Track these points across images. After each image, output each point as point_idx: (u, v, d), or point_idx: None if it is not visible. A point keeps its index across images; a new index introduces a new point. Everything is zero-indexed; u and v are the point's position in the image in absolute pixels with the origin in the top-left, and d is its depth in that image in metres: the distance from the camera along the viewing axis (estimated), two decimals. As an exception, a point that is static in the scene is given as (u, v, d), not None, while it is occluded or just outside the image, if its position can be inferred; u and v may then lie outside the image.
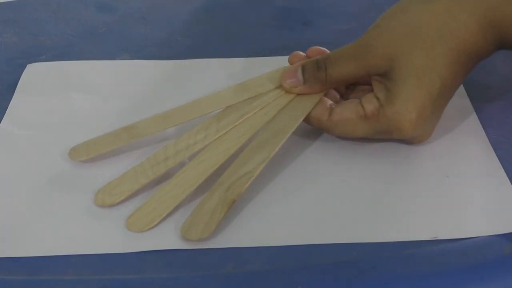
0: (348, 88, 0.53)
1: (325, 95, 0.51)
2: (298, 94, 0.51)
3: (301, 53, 0.53)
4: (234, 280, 0.42)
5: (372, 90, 0.49)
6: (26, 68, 0.61)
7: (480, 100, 0.55)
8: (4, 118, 0.55)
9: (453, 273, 0.42)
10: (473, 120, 0.53)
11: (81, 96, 0.57)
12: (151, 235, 0.45)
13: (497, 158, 0.49)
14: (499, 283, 0.41)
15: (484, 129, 0.52)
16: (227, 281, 0.42)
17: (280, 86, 0.52)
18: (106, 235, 0.45)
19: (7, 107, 0.56)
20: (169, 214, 0.45)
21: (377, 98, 0.48)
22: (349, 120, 0.49)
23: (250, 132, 0.50)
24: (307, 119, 0.50)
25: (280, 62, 0.55)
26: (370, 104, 0.48)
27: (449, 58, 0.47)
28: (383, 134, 0.49)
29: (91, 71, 0.61)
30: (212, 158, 0.48)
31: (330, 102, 0.51)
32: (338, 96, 0.52)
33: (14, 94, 0.58)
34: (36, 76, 0.60)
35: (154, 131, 0.51)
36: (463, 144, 0.51)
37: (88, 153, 0.50)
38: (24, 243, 0.45)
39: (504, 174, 0.48)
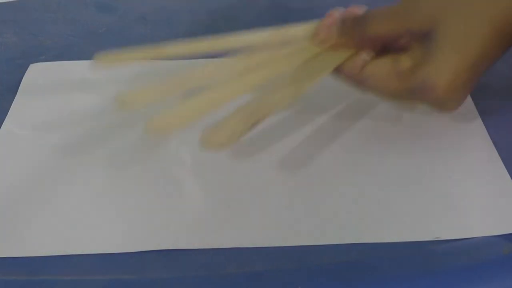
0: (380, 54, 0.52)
1: (357, 53, 0.50)
2: (331, 48, 0.51)
3: (340, 9, 0.52)
4: (234, 280, 0.42)
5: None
6: (29, 68, 0.61)
7: (483, 100, 0.55)
8: (6, 118, 0.55)
9: (453, 273, 0.42)
10: (476, 121, 0.53)
11: (83, 96, 0.58)
12: (151, 235, 0.45)
13: (500, 159, 0.49)
14: (498, 283, 0.41)
15: (486, 129, 0.52)
16: (227, 281, 0.42)
17: (314, 38, 0.51)
18: (106, 235, 0.45)
19: (7, 107, 0.56)
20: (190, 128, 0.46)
21: (413, 56, 0.47)
22: (382, 74, 0.48)
23: (278, 71, 0.50)
24: (337, 71, 0.50)
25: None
26: (406, 61, 0.47)
27: (490, 28, 0.47)
28: (414, 95, 0.48)
29: (93, 71, 0.61)
30: (238, 86, 0.49)
31: (363, 56, 0.49)
32: (369, 57, 0.51)
33: (17, 95, 0.58)
34: (39, 76, 0.60)
35: (183, 53, 0.52)
36: (466, 144, 0.51)
37: (112, 61, 0.52)
38: (24, 243, 0.45)
39: (507, 173, 0.48)
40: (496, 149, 0.50)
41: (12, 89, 0.58)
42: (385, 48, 0.51)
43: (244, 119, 0.46)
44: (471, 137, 0.51)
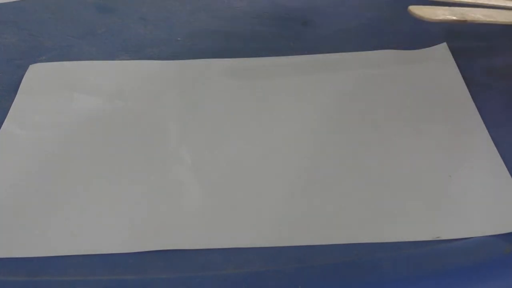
0: None
1: None
2: None
3: None
4: (234, 280, 0.42)
5: None
6: (29, 68, 0.61)
7: (483, 100, 0.55)
8: (6, 118, 0.55)
9: (453, 273, 0.42)
10: (476, 120, 0.53)
11: (83, 96, 0.58)
12: (151, 235, 0.45)
13: (500, 158, 0.49)
14: (499, 283, 0.41)
15: (486, 128, 0.52)
16: (227, 281, 0.42)
17: None
18: (106, 235, 0.45)
19: (7, 107, 0.56)
20: None
21: None
22: None
23: None
24: None
25: (280, 62, 0.55)
26: None
27: None
28: None
29: (93, 72, 0.61)
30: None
31: None
32: None
33: (17, 95, 0.58)
34: (39, 76, 0.60)
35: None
36: (466, 144, 0.51)
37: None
38: (24, 243, 0.45)
39: (507, 173, 0.48)
40: (497, 148, 0.50)
41: (11, 90, 0.58)
42: None
43: (455, 13, 0.55)
44: (471, 137, 0.51)
